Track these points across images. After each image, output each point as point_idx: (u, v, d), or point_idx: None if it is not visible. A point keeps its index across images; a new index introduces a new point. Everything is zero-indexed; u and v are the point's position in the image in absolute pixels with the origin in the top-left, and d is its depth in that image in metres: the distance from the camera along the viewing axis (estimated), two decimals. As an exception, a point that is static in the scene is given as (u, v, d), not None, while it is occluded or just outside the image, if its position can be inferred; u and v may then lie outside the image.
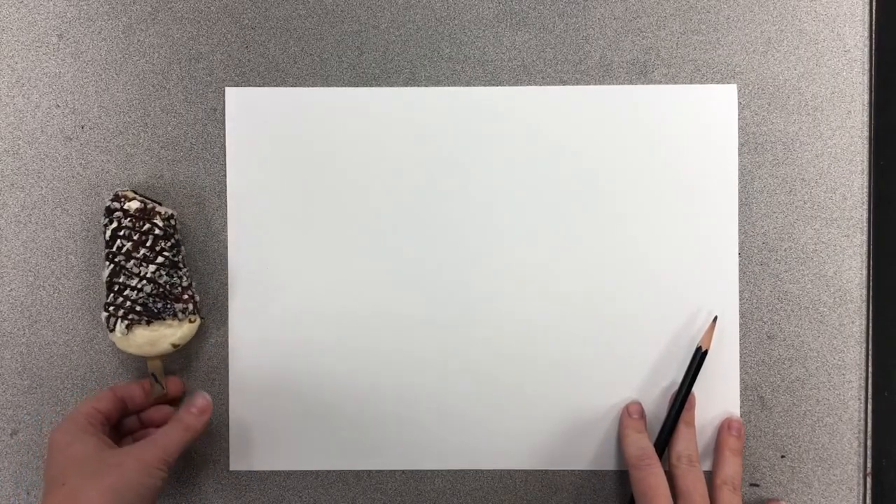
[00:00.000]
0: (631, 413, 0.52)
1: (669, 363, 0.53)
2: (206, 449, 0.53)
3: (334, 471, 0.53)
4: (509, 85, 0.53)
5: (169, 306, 0.50)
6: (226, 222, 0.53)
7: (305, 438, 0.53)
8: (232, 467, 0.53)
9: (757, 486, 0.53)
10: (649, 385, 0.53)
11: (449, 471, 0.53)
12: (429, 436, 0.53)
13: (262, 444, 0.53)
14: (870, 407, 0.53)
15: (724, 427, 0.52)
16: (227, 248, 0.53)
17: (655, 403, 0.53)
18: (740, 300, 0.53)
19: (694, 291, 0.53)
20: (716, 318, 0.52)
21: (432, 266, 0.53)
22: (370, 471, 0.53)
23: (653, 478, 0.49)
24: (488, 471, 0.53)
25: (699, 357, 0.51)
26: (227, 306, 0.53)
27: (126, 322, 0.49)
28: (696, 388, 0.52)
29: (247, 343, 0.53)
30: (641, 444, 0.50)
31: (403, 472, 0.53)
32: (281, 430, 0.53)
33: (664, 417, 0.52)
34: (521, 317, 0.53)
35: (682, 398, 0.51)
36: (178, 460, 0.49)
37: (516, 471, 0.53)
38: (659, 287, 0.53)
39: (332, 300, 0.53)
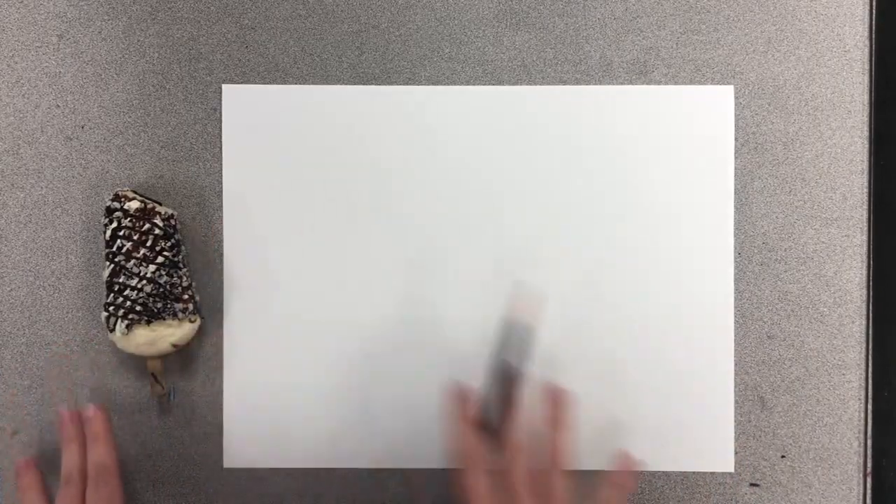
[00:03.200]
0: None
1: (664, 360, 0.53)
2: (200, 446, 0.53)
3: (332, 469, 0.53)
4: (509, 85, 0.53)
5: (169, 306, 0.50)
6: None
7: (303, 436, 0.53)
8: (226, 465, 0.53)
9: (757, 485, 0.53)
10: (645, 381, 0.53)
11: (449, 470, 0.53)
12: (429, 435, 0.53)
13: (257, 442, 0.53)
14: (870, 407, 0.53)
15: (549, 398, 0.47)
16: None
17: (649, 400, 0.53)
18: (741, 300, 0.53)
19: (689, 290, 0.53)
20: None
21: (429, 265, 0.53)
22: (369, 469, 0.53)
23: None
24: (488, 471, 0.53)
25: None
26: (223, 305, 0.53)
27: (126, 322, 0.49)
28: (691, 389, 0.52)
29: (243, 341, 0.53)
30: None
31: (403, 470, 0.53)
32: (277, 427, 0.53)
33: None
34: (521, 317, 0.53)
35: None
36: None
37: (516, 471, 0.53)
38: (655, 285, 0.53)
39: (329, 299, 0.53)
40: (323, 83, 0.53)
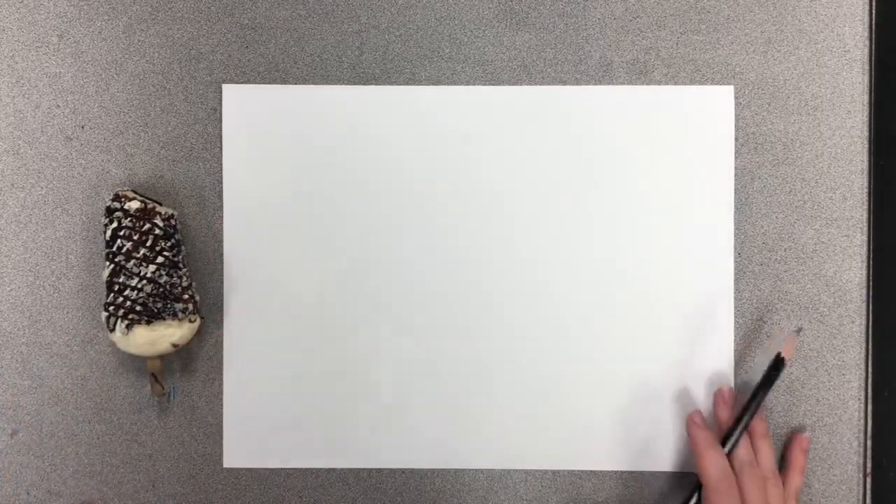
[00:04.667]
0: (699, 424, 0.50)
1: (664, 359, 0.53)
2: (200, 446, 0.53)
3: (333, 469, 0.53)
4: (509, 85, 0.53)
5: (169, 306, 0.50)
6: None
7: (303, 436, 0.53)
8: (226, 465, 0.53)
9: (757, 486, 0.53)
10: (645, 382, 0.53)
11: (449, 470, 0.53)
12: (429, 435, 0.53)
13: (257, 442, 0.53)
14: (870, 407, 0.53)
15: (796, 444, 0.52)
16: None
17: (648, 399, 0.53)
18: (741, 300, 0.53)
19: (689, 289, 0.53)
20: (800, 329, 0.52)
21: (430, 265, 0.53)
22: (369, 469, 0.53)
23: (734, 502, 0.47)
24: (488, 470, 0.53)
25: (776, 366, 0.50)
26: (223, 305, 0.53)
27: (126, 322, 0.49)
28: (692, 389, 0.52)
29: (243, 341, 0.53)
30: (721, 464, 0.48)
31: (403, 471, 0.53)
32: (277, 427, 0.53)
33: (730, 426, 0.50)
34: (518, 314, 0.53)
35: (755, 405, 0.49)
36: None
37: (516, 470, 0.53)
38: (655, 285, 0.53)
39: (329, 298, 0.53)
40: (323, 83, 0.53)
